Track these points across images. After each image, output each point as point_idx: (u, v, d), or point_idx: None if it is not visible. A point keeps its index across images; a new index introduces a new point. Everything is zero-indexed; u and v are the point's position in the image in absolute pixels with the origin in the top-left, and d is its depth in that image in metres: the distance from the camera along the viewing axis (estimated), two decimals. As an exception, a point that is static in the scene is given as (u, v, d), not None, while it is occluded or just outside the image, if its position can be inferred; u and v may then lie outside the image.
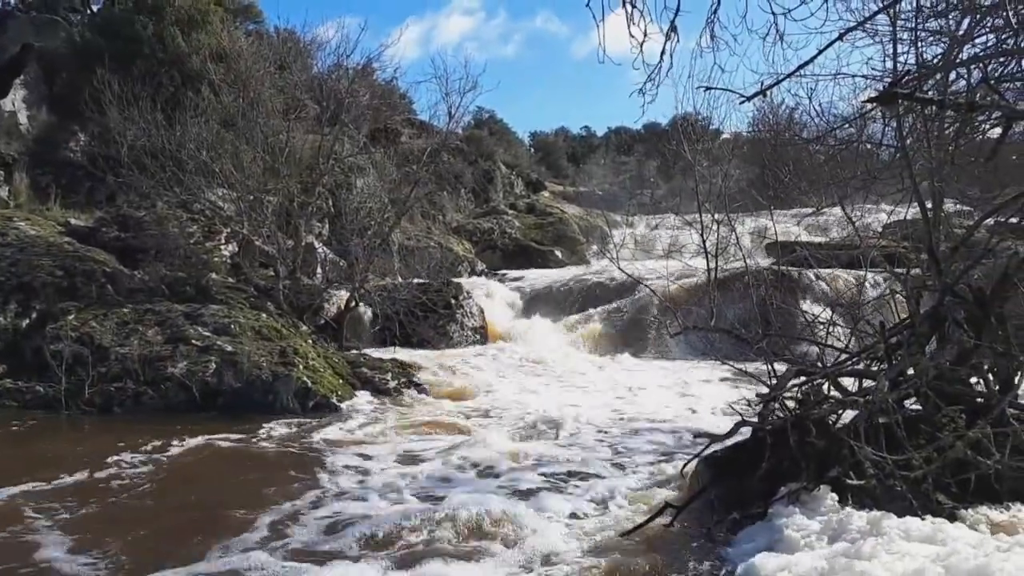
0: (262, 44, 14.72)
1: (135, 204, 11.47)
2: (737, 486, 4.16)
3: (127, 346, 7.67)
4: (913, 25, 4.32)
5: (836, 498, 3.71)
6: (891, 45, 4.28)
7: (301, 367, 7.76)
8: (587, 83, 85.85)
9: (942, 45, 4.35)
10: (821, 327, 5.68)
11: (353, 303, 11.32)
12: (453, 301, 12.42)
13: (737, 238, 5.94)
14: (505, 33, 79.77)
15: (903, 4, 4.18)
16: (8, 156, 12.33)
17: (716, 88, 3.92)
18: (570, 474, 5.25)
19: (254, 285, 10.66)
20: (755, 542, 3.60)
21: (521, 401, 7.82)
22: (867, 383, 4.39)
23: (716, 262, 5.67)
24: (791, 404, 4.31)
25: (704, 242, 5.67)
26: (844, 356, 4.84)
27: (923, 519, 3.41)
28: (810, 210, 9.73)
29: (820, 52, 3.34)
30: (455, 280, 13.92)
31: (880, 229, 7.72)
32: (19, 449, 6.10)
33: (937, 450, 3.66)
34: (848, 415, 4.16)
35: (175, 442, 6.06)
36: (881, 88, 4.48)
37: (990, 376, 4.14)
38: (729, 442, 4.38)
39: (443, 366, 9.67)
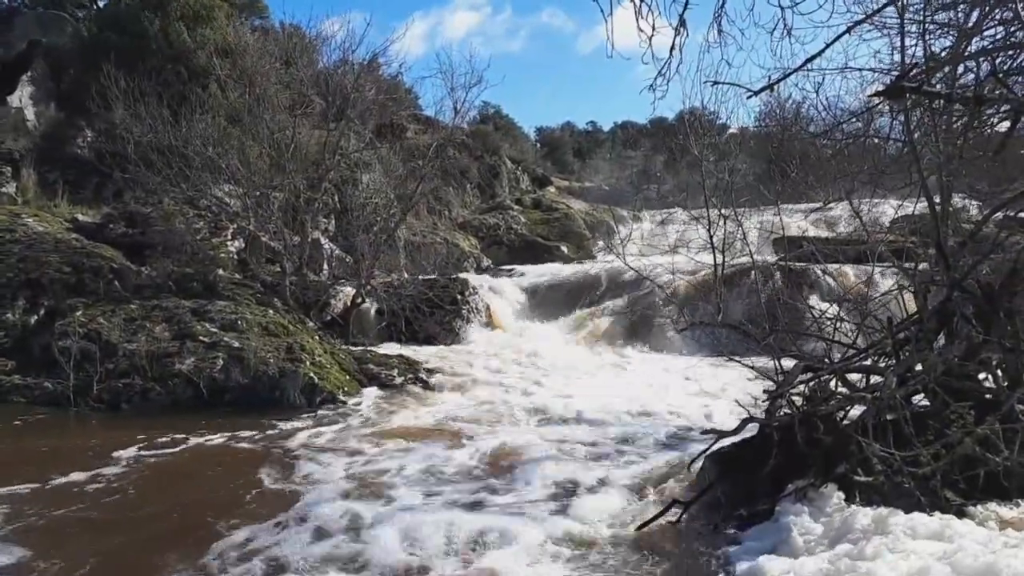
0: (268, 40, 14.73)
1: (142, 200, 11.49)
2: (744, 483, 4.15)
3: (135, 342, 7.69)
4: (921, 18, 4.28)
5: (843, 495, 3.69)
6: (899, 38, 4.24)
7: (308, 363, 7.78)
8: (593, 78, 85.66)
9: (950, 38, 4.31)
10: (828, 323, 5.65)
11: (359, 299, 11.34)
12: (459, 297, 12.42)
13: (744, 233, 5.91)
14: (511, 28, 79.69)
15: (911, -3, 4.15)
16: (15, 152, 12.37)
17: (724, 83, 3.90)
18: (575, 470, 5.25)
19: (261, 281, 10.68)
20: (761, 541, 3.59)
21: (526, 396, 7.82)
22: (875, 379, 4.37)
23: (723, 257, 5.64)
24: (798, 400, 4.30)
25: (711, 237, 5.64)
26: (851, 352, 4.82)
27: (931, 516, 3.39)
28: (817, 205, 9.69)
29: (827, 46, 3.32)
30: (461, 276, 13.91)
31: (888, 224, 7.69)
32: (18, 445, 6.11)
33: (945, 446, 3.64)
34: (856, 411, 4.15)
35: (176, 440, 6.07)
36: (888, 82, 4.44)
37: (999, 372, 4.11)
38: (736, 438, 4.37)
39: (449, 362, 9.68)
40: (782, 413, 4.27)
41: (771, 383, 4.66)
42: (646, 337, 12.00)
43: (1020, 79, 4.19)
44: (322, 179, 12.08)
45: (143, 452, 5.69)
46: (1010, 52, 3.92)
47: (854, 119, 5.44)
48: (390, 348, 10.53)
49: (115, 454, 5.59)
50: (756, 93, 3.60)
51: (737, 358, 5.65)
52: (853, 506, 3.59)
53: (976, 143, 4.71)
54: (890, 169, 5.41)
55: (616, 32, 3.32)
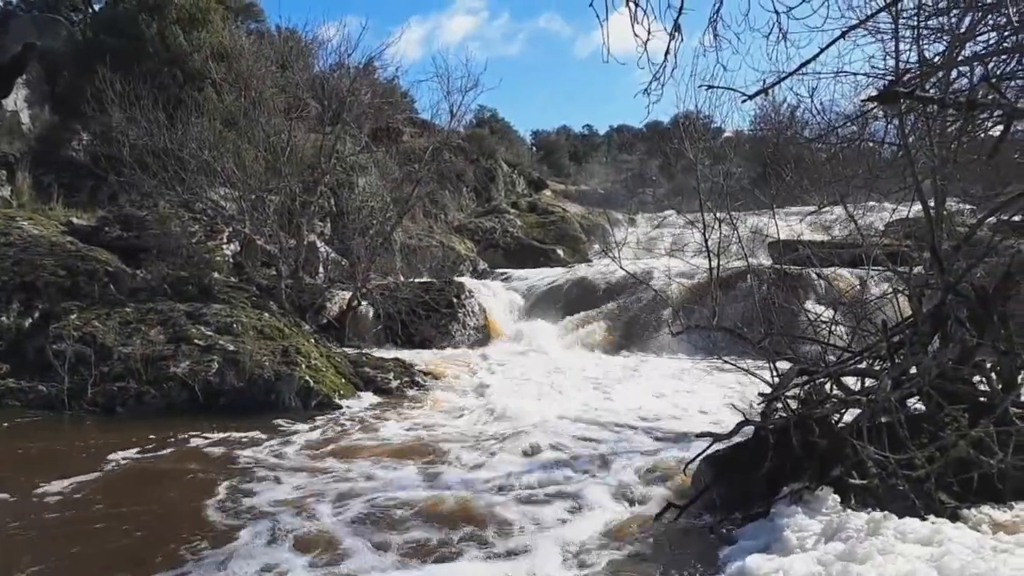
0: (263, 43, 14.74)
1: (137, 203, 11.49)
2: (739, 485, 4.15)
3: (129, 345, 7.68)
4: (915, 23, 4.30)
5: (838, 498, 3.70)
6: (893, 43, 4.27)
7: (303, 366, 7.77)
8: (589, 82, 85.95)
9: (944, 43, 4.34)
10: (823, 326, 5.67)
11: (355, 302, 11.34)
12: (455, 300, 12.44)
13: (739, 237, 5.93)
14: (508, 33, 79.85)
15: (905, 2, 4.18)
16: (10, 156, 12.36)
17: (719, 87, 3.92)
18: (572, 472, 5.25)
19: (256, 284, 10.68)
20: (756, 542, 3.60)
21: (521, 400, 7.82)
22: (870, 382, 4.38)
23: (718, 261, 5.66)
24: (793, 403, 4.30)
25: (706, 241, 5.66)
26: (846, 355, 4.83)
27: (925, 519, 3.40)
28: (812, 208, 9.72)
29: (822, 50, 3.34)
30: (457, 279, 13.92)
31: (882, 227, 7.71)
32: (7, 446, 6.04)
33: (940, 449, 3.65)
34: (851, 414, 4.16)
35: (163, 445, 6.00)
36: (883, 86, 4.47)
37: (993, 375, 4.13)
38: (732, 441, 4.37)
39: (445, 365, 9.68)
40: (777, 416, 4.28)
41: (766, 386, 4.67)
42: (641, 340, 12.02)
43: (1013, 84, 4.21)
44: (318, 182, 12.09)
45: (127, 458, 5.58)
46: (1003, 57, 3.95)
47: (849, 123, 5.47)
48: (386, 351, 10.52)
49: (103, 459, 5.51)
50: (751, 97, 3.62)
51: (732, 361, 5.66)
52: (848, 509, 3.59)
53: (970, 148, 4.74)
54: (885, 173, 5.44)
55: (612, 37, 3.33)
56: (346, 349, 10.08)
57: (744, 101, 3.50)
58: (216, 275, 10.49)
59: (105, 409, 7.09)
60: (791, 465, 3.97)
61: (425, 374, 8.99)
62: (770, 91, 3.72)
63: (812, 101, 5.70)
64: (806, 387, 4.39)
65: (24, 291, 8.38)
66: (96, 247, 9.95)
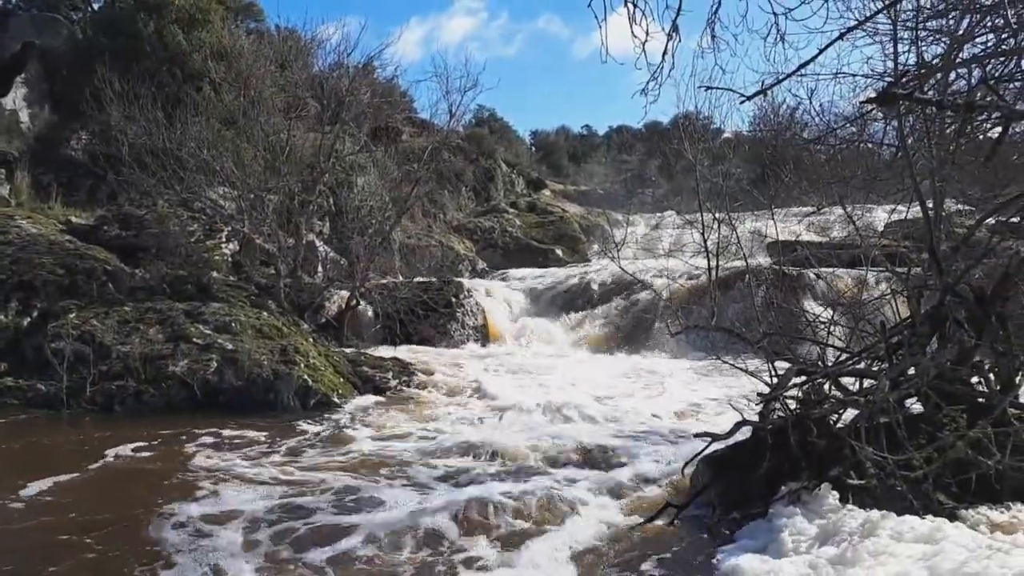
0: (263, 42, 14.73)
1: (136, 202, 11.48)
2: (738, 486, 4.17)
3: (128, 344, 7.67)
4: (913, 25, 4.32)
5: (837, 498, 3.71)
6: (891, 45, 4.28)
7: (302, 365, 7.77)
8: (588, 83, 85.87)
9: (942, 45, 4.35)
10: (822, 326, 5.68)
11: (354, 302, 11.33)
12: (454, 300, 12.43)
13: (738, 237, 5.94)
14: (507, 34, 79.83)
15: (903, 3, 4.18)
16: (9, 154, 12.34)
17: (717, 88, 3.92)
18: (569, 472, 5.26)
19: (255, 283, 10.67)
20: (754, 543, 3.61)
21: (520, 399, 7.81)
22: (868, 383, 4.39)
23: (717, 261, 5.67)
24: (792, 404, 4.32)
25: (705, 241, 5.67)
26: (845, 355, 4.84)
27: (923, 519, 3.41)
28: (811, 209, 9.73)
29: (820, 52, 3.34)
30: (456, 279, 13.92)
31: (881, 228, 7.73)
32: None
33: (938, 450, 3.66)
34: (849, 415, 4.17)
35: (154, 444, 5.97)
36: (881, 87, 4.48)
37: (991, 376, 4.14)
38: (730, 441, 4.38)
39: (443, 365, 9.67)
40: (776, 416, 4.29)
41: (765, 386, 4.68)
42: (640, 340, 12.02)
43: (1011, 86, 4.22)
44: (317, 182, 12.08)
45: (115, 457, 5.59)
46: (1001, 59, 3.96)
47: (847, 124, 5.48)
48: (385, 351, 10.52)
49: (90, 458, 5.52)
50: (749, 98, 3.62)
51: (731, 361, 5.67)
52: (846, 509, 3.61)
53: (968, 149, 4.75)
54: (883, 174, 5.45)
55: (610, 37, 3.34)
56: (345, 348, 10.08)
57: (743, 102, 3.51)
58: (215, 274, 10.48)
59: (104, 408, 7.08)
60: (789, 465, 3.98)
61: (423, 373, 8.99)
62: (769, 92, 3.73)
63: (811, 102, 5.73)
64: (804, 387, 4.40)
65: (22, 290, 8.38)
66: (95, 246, 9.94)
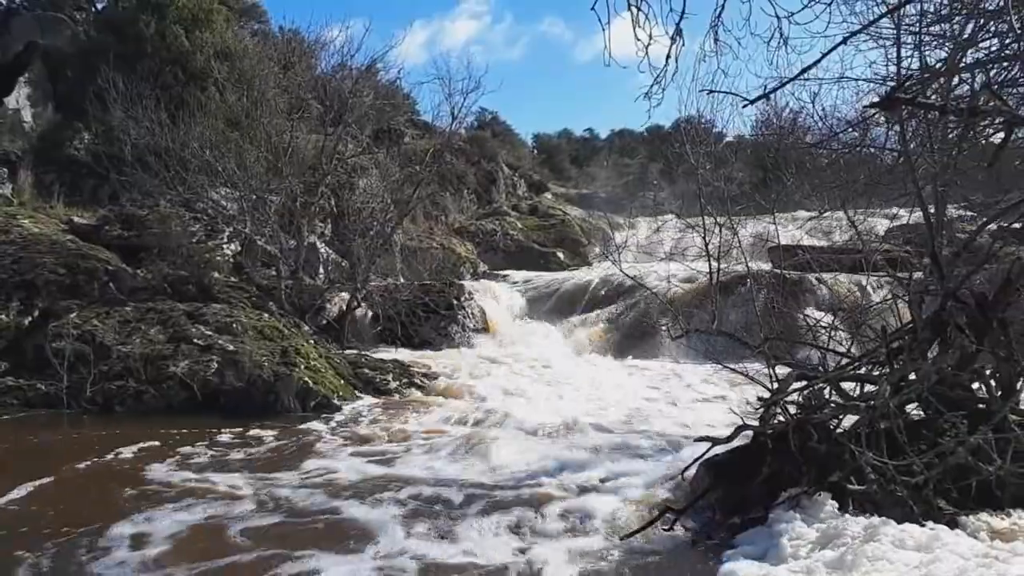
0: (266, 44, 14.76)
1: (138, 203, 11.48)
2: (738, 490, 4.15)
3: (129, 344, 7.68)
4: (917, 29, 4.31)
5: (836, 504, 3.70)
6: (895, 49, 4.27)
7: (302, 367, 7.77)
8: (591, 87, 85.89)
9: (945, 50, 4.34)
10: (823, 331, 5.67)
11: (355, 303, 11.33)
12: (455, 302, 12.42)
13: (739, 241, 5.93)
14: (511, 37, 79.92)
15: (907, 8, 4.17)
16: (12, 154, 12.36)
17: (720, 91, 3.91)
18: (568, 476, 5.24)
19: (256, 285, 10.68)
20: (753, 548, 3.60)
21: (520, 403, 7.82)
22: (869, 388, 4.38)
23: (718, 265, 5.66)
24: (792, 408, 4.30)
25: (706, 245, 5.66)
26: (846, 361, 4.83)
27: (923, 525, 3.40)
28: (813, 214, 9.71)
29: (824, 56, 3.32)
30: (457, 281, 13.92)
31: (883, 233, 7.72)
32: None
33: (938, 456, 3.65)
34: (850, 420, 4.16)
35: (150, 445, 5.95)
36: (884, 92, 4.47)
37: (992, 381, 4.13)
38: (730, 446, 4.37)
39: (444, 367, 9.66)
40: (776, 421, 4.28)
41: (765, 391, 4.67)
42: (641, 344, 12.00)
43: (1014, 91, 4.22)
44: (319, 183, 12.09)
45: (101, 459, 5.57)
46: (1004, 64, 3.95)
47: (850, 129, 5.46)
48: (385, 353, 10.51)
49: (87, 456, 5.54)
50: (752, 102, 3.61)
51: (732, 365, 5.66)
52: (846, 514, 3.59)
53: (970, 154, 4.74)
54: (885, 179, 5.44)
55: (613, 41, 3.33)
56: (345, 350, 10.07)
57: (745, 106, 3.49)
58: (216, 275, 10.49)
59: (104, 408, 7.09)
60: (789, 470, 3.97)
61: (424, 376, 8.98)
62: (772, 96, 3.72)
63: (814, 107, 5.71)
64: (805, 392, 4.39)
65: (24, 289, 8.39)
66: (96, 246, 9.95)
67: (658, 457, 5.69)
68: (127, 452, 5.79)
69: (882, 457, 3.61)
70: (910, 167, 4.46)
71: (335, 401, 7.60)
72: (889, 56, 4.67)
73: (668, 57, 3.38)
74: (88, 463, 5.49)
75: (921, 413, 4.20)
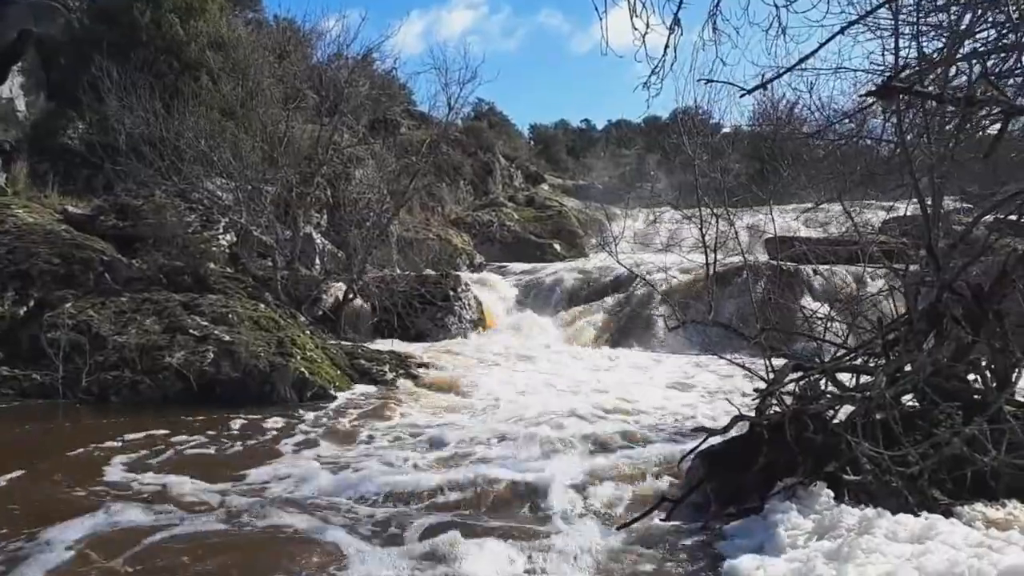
0: (261, 33, 14.68)
1: (133, 192, 11.44)
2: (734, 481, 4.16)
3: (124, 335, 7.65)
4: (914, 19, 4.29)
5: (832, 494, 3.71)
6: (892, 39, 4.25)
7: (299, 358, 7.76)
8: (588, 77, 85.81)
9: (943, 39, 4.32)
10: (819, 322, 5.67)
11: (351, 294, 11.32)
12: (451, 293, 12.41)
13: (736, 232, 5.92)
14: (508, 28, 79.73)
15: (905, -2, 4.16)
16: (6, 143, 12.29)
17: (717, 81, 3.90)
18: (562, 466, 5.24)
19: (252, 275, 10.66)
20: (749, 538, 3.60)
21: (515, 394, 7.83)
22: (864, 379, 4.38)
23: (715, 256, 5.65)
24: (788, 399, 4.31)
25: (703, 236, 5.65)
26: (842, 352, 4.83)
27: (918, 516, 3.41)
28: (810, 205, 9.72)
29: (821, 46, 3.32)
30: (453, 272, 13.91)
31: (879, 225, 7.71)
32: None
33: (934, 446, 3.66)
34: (845, 411, 4.16)
35: (141, 436, 5.85)
36: (881, 83, 4.46)
37: (987, 373, 4.14)
38: (726, 436, 4.38)
39: (440, 358, 9.67)
40: (772, 411, 4.28)
41: (761, 381, 4.68)
42: (637, 335, 12.03)
43: (1011, 81, 4.21)
44: (315, 174, 12.06)
45: (91, 449, 5.50)
46: (1002, 54, 3.94)
47: (847, 120, 5.46)
48: (382, 344, 10.51)
49: (67, 448, 5.49)
50: (749, 92, 3.60)
51: (728, 356, 5.67)
52: (842, 505, 3.60)
53: (967, 145, 4.73)
54: (882, 170, 5.43)
55: (611, 31, 3.31)
56: (342, 341, 10.07)
57: (743, 95, 3.48)
58: (212, 265, 10.46)
59: (99, 398, 7.07)
60: (785, 461, 3.97)
61: (420, 366, 8.99)
62: (769, 86, 3.72)
63: (811, 97, 5.70)
64: (801, 383, 4.39)
65: (19, 279, 8.36)
66: (91, 236, 9.91)
67: (653, 447, 5.70)
68: (110, 444, 5.65)
69: (878, 447, 3.62)
70: (907, 158, 4.46)
71: (331, 391, 7.60)
72: (886, 46, 4.66)
73: (666, 46, 3.37)
74: (63, 456, 5.37)
75: (917, 404, 4.21)
